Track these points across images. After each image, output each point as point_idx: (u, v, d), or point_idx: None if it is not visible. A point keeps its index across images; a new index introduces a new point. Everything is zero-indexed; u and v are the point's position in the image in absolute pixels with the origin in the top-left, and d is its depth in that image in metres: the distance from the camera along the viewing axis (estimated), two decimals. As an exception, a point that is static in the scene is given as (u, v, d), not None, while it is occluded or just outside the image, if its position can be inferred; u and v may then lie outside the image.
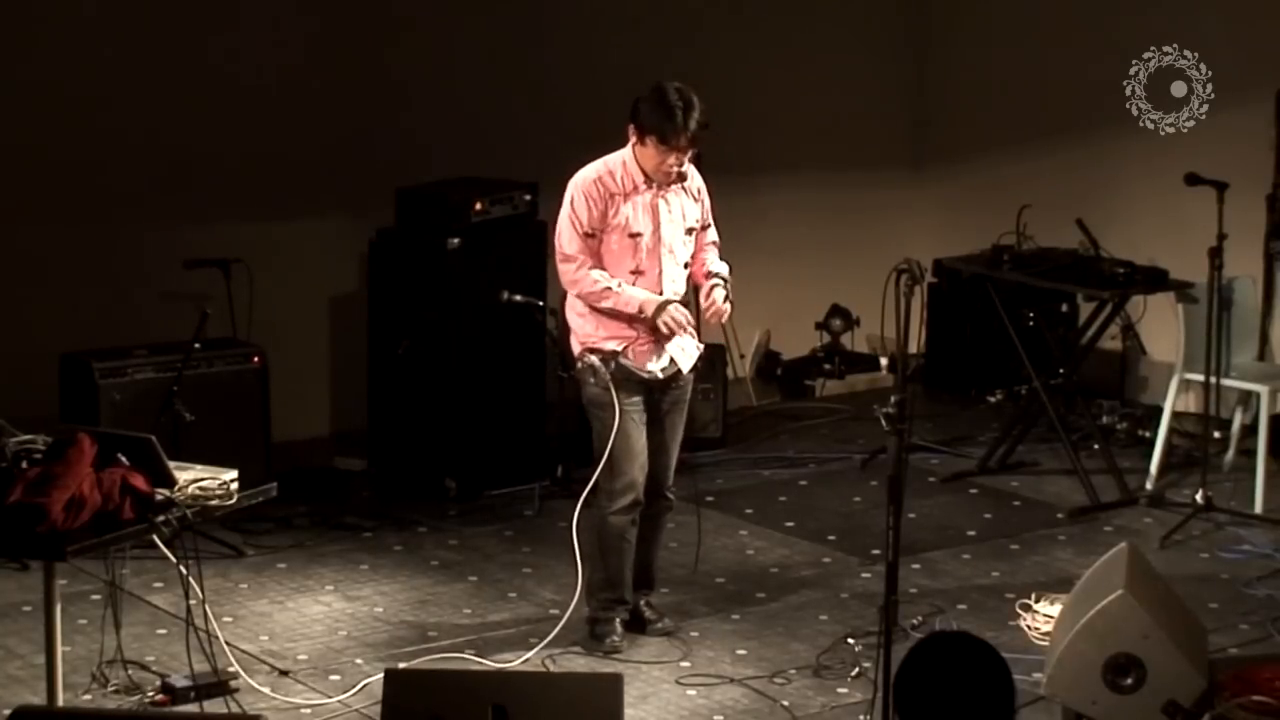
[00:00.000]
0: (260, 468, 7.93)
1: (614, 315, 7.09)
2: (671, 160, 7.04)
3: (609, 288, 7.06)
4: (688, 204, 7.22)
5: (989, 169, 11.12)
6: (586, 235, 7.08)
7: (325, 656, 7.18)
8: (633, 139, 7.08)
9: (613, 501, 7.17)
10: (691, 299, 7.30)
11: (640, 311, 7.06)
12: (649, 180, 7.11)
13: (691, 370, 7.29)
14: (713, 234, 7.36)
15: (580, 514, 7.21)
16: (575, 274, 7.10)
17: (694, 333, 7.26)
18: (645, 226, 7.11)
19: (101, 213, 9.05)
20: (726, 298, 7.20)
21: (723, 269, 7.28)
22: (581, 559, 7.20)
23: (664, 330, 7.08)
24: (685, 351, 7.24)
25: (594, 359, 7.14)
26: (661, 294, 7.12)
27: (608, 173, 7.11)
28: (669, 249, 7.15)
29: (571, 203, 7.12)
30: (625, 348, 7.12)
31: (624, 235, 7.09)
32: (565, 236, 7.12)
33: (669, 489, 7.38)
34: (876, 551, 8.00)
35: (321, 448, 9.48)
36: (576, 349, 7.22)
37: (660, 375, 7.20)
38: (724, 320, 7.32)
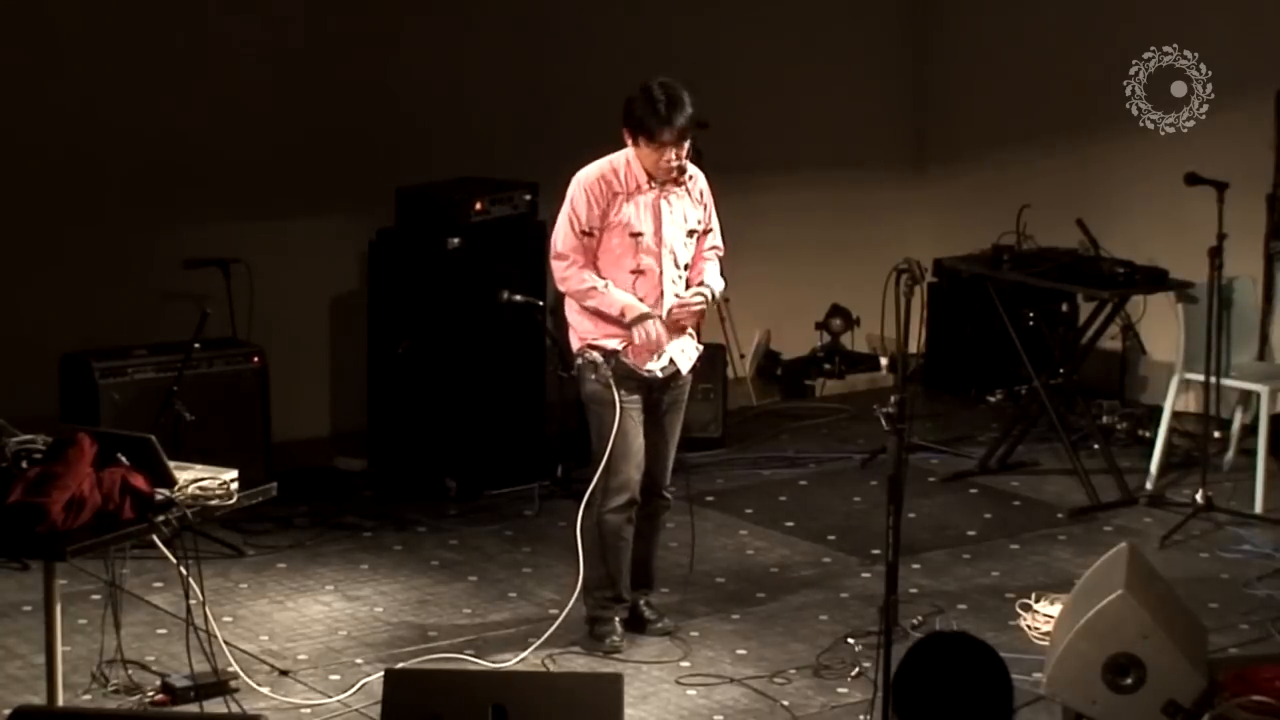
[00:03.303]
0: (260, 468, 7.94)
1: (608, 316, 7.10)
2: (668, 156, 7.04)
3: (594, 287, 7.08)
4: (690, 207, 7.21)
5: (989, 169, 11.12)
6: (584, 234, 7.09)
7: (325, 656, 7.18)
8: (628, 141, 7.08)
9: (608, 499, 7.17)
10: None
11: (621, 315, 7.06)
12: (652, 180, 7.11)
13: (690, 371, 7.29)
14: (715, 239, 7.35)
15: (582, 514, 7.21)
16: (565, 271, 7.12)
17: (694, 334, 7.28)
18: (647, 226, 7.11)
19: (101, 213, 9.06)
20: (701, 311, 7.19)
21: (714, 284, 7.27)
22: (582, 558, 7.20)
23: (638, 340, 7.07)
24: (685, 352, 7.24)
25: (595, 355, 7.14)
26: (662, 294, 7.13)
27: (611, 171, 7.12)
28: (670, 250, 7.15)
29: (572, 200, 7.12)
30: (625, 346, 7.12)
31: (625, 234, 7.09)
32: (560, 234, 7.13)
33: (666, 488, 7.38)
34: (876, 551, 8.00)
35: (321, 448, 9.48)
36: (576, 345, 7.22)
37: (659, 375, 7.20)
38: (687, 323, 7.26)
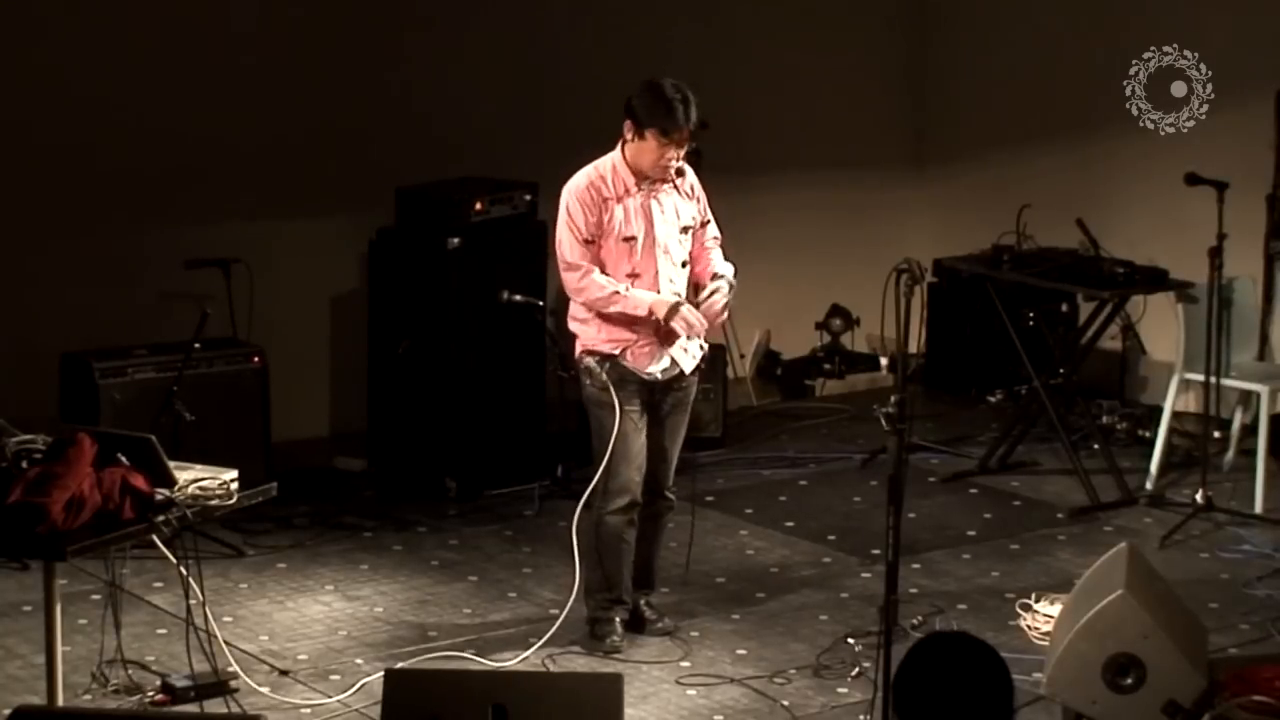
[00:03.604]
0: (260, 468, 7.93)
1: (618, 319, 7.09)
2: (671, 154, 7.04)
3: (616, 291, 7.05)
4: (681, 203, 7.21)
5: (989, 169, 11.12)
6: (587, 241, 7.08)
7: (325, 656, 7.18)
8: (628, 136, 7.06)
9: (608, 502, 7.17)
10: (691, 298, 7.27)
11: (650, 314, 7.05)
12: (640, 182, 7.11)
13: (694, 372, 7.29)
14: (713, 229, 7.35)
15: (580, 515, 7.21)
16: (580, 282, 7.09)
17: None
18: (639, 229, 7.10)
19: (102, 213, 9.05)
20: (726, 304, 7.19)
21: (727, 270, 7.26)
22: (580, 559, 7.21)
23: (682, 332, 7.07)
24: (688, 352, 7.23)
25: (590, 360, 7.14)
26: (660, 295, 7.11)
27: (599, 177, 7.11)
28: (664, 249, 7.14)
29: (568, 210, 7.11)
30: (624, 350, 7.12)
31: (618, 239, 7.08)
32: (566, 245, 7.11)
33: (669, 489, 7.38)
34: (876, 551, 8.00)
35: (321, 448, 9.48)
36: (577, 350, 7.22)
37: (660, 377, 7.19)
38: (719, 322, 7.30)
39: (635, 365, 7.13)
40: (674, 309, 7.05)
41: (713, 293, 7.16)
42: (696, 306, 7.16)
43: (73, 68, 8.92)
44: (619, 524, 7.20)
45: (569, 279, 7.12)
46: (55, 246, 8.94)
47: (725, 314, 7.23)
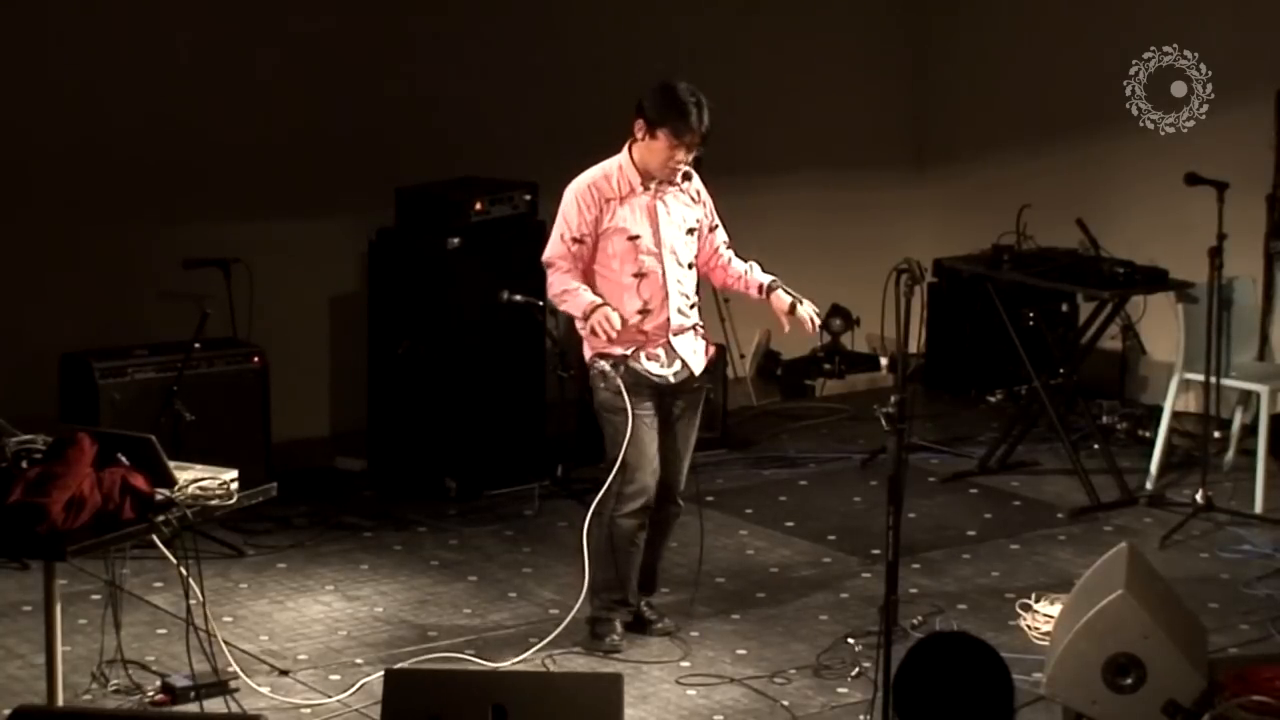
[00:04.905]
0: (260, 468, 7.93)
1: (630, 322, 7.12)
2: (680, 156, 7.06)
3: (567, 289, 7.11)
4: (687, 205, 7.23)
5: (989, 169, 11.12)
6: (575, 240, 7.11)
7: (325, 656, 7.18)
8: (639, 134, 7.08)
9: (622, 505, 7.17)
10: (710, 300, 7.29)
11: (584, 315, 7.07)
12: (646, 183, 7.12)
13: (704, 373, 7.29)
14: (722, 234, 7.39)
15: (590, 520, 7.21)
16: (550, 277, 7.18)
17: (702, 332, 7.30)
18: (644, 228, 7.11)
19: (101, 212, 9.05)
20: (799, 301, 7.33)
21: (771, 277, 7.35)
22: (589, 560, 7.20)
23: (596, 332, 7.05)
24: (696, 353, 7.25)
25: (604, 364, 7.14)
26: (667, 295, 7.14)
27: (604, 177, 7.13)
28: (670, 250, 7.16)
29: (564, 209, 7.17)
30: (635, 351, 7.13)
31: (623, 238, 7.10)
32: (549, 243, 7.18)
33: (679, 496, 7.37)
34: (876, 551, 8.00)
35: (321, 448, 9.48)
36: (588, 355, 7.22)
37: (672, 380, 7.20)
38: (818, 324, 7.49)
39: (647, 367, 7.14)
40: (595, 308, 7.03)
41: (792, 303, 7.35)
42: (697, 307, 7.21)
43: (73, 68, 8.93)
44: (631, 527, 7.20)
45: (547, 275, 7.19)
46: (55, 246, 8.94)
47: (815, 316, 7.48)
